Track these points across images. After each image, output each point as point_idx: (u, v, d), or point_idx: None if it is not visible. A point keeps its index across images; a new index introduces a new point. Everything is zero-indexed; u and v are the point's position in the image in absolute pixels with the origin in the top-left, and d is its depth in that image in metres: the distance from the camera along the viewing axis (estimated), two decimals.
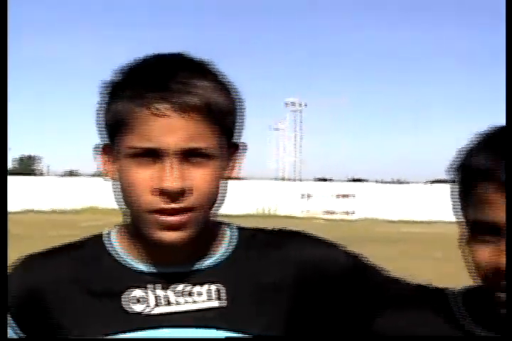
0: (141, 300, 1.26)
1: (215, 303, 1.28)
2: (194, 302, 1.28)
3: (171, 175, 1.18)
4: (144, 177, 1.21)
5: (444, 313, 1.26)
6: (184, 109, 1.19)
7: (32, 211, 35.19)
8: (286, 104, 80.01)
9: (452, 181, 1.22)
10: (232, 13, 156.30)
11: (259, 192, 51.04)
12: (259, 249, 1.35)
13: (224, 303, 1.29)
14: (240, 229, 1.40)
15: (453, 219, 1.22)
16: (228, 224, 1.39)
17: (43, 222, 26.65)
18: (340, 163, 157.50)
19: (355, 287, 1.33)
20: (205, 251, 1.33)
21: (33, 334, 1.29)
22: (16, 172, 67.53)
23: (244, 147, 1.34)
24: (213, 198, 1.27)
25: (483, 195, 1.14)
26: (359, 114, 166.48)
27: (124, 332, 1.25)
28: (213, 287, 1.29)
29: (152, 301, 1.26)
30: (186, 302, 1.27)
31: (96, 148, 1.31)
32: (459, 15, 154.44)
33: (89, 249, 1.33)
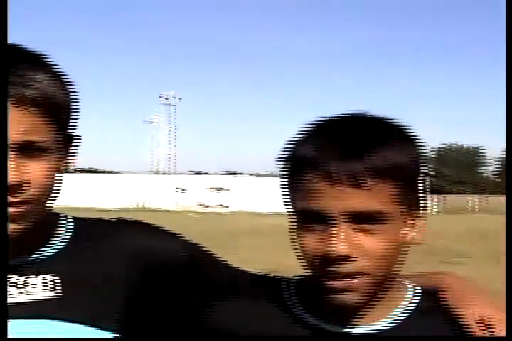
0: None
1: (51, 294, 1.27)
2: (28, 293, 1.26)
3: (11, 169, 1.15)
4: None
5: (278, 301, 1.28)
6: (21, 102, 1.17)
7: None
8: (161, 98, 79.36)
9: (281, 172, 1.23)
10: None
11: (133, 185, 50.36)
12: (95, 239, 1.34)
13: (59, 294, 1.28)
14: (77, 220, 1.38)
15: None
16: (65, 216, 1.38)
17: None
18: (215, 157, 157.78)
19: (192, 276, 1.33)
20: (40, 243, 1.31)
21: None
22: None
23: (79, 139, 1.32)
24: (50, 190, 1.25)
25: (310, 184, 1.16)
26: (234, 107, 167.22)
27: None
28: (49, 278, 1.28)
29: None
30: (21, 293, 1.26)
31: None
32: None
33: None
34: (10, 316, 1.21)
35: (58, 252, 1.31)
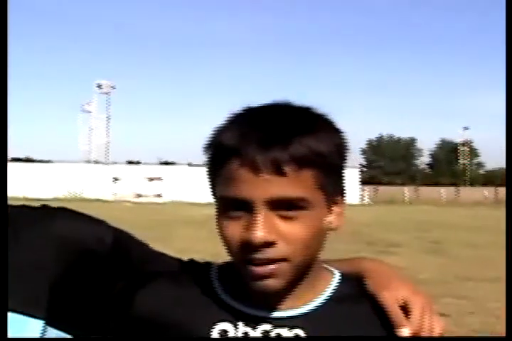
0: None
1: None
2: None
3: None
4: None
5: (206, 287, 1.29)
6: None
7: None
8: (96, 86, 78.46)
9: (206, 160, 1.24)
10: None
11: (68, 175, 49.82)
12: (17, 227, 1.30)
13: None
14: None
15: None
16: None
17: None
18: (151, 146, 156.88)
19: (119, 262, 1.32)
20: None
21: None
22: None
23: None
24: None
25: (231, 171, 1.16)
26: (170, 98, 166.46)
27: None
28: None
29: None
30: None
31: None
32: None
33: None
34: None
35: None
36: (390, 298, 1.26)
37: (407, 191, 65.07)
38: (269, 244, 1.15)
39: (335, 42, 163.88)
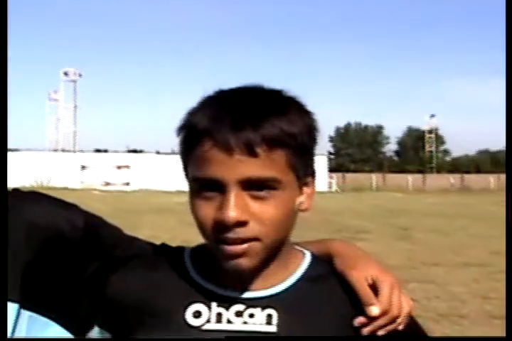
0: None
1: None
2: None
3: None
4: None
5: (179, 270, 1.31)
6: None
7: None
8: (63, 74, 77.61)
9: (179, 142, 1.25)
10: None
11: (35, 164, 49.38)
12: None
13: None
14: None
15: None
16: None
17: None
18: (119, 134, 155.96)
19: (92, 246, 1.32)
20: None
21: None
22: None
23: None
24: None
25: (203, 152, 1.18)
26: (138, 86, 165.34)
27: None
28: None
29: None
30: None
31: None
32: None
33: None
34: None
35: None
36: (359, 277, 1.29)
37: (374, 178, 65.47)
38: (242, 224, 1.17)
39: (300, 29, 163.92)
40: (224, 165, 1.16)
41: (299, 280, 1.30)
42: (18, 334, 1.27)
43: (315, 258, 1.35)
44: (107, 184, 51.42)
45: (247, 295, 1.27)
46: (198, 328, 1.25)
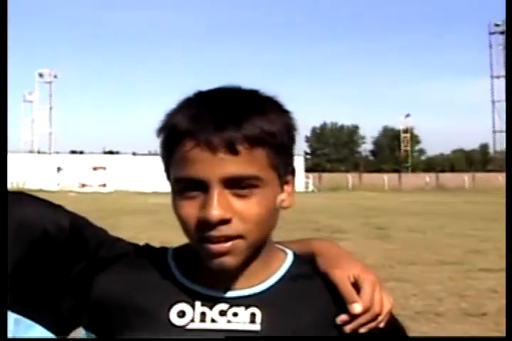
0: None
1: None
2: None
3: None
4: None
5: (163, 270, 1.32)
6: None
7: None
8: (38, 75, 77.11)
9: (160, 143, 1.26)
10: None
11: (11, 165, 48.77)
12: None
13: None
14: None
15: None
16: None
17: None
18: (95, 136, 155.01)
19: (77, 247, 1.32)
20: None
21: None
22: None
23: None
24: None
25: (185, 152, 1.19)
26: (114, 87, 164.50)
27: None
28: None
29: None
30: None
31: None
32: None
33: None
34: None
35: None
36: (342, 276, 1.30)
37: (350, 178, 65.62)
38: (225, 222, 1.18)
39: (274, 29, 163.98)
40: (206, 165, 1.17)
41: (281, 279, 1.31)
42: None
43: (297, 257, 1.36)
44: (83, 185, 51.16)
45: (230, 294, 1.28)
46: (182, 328, 1.26)
